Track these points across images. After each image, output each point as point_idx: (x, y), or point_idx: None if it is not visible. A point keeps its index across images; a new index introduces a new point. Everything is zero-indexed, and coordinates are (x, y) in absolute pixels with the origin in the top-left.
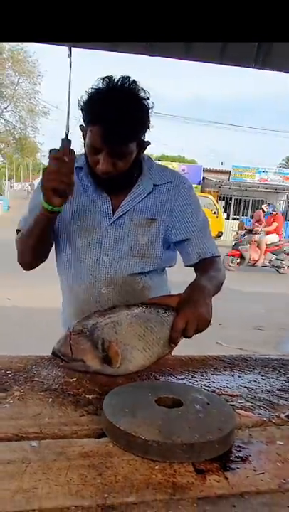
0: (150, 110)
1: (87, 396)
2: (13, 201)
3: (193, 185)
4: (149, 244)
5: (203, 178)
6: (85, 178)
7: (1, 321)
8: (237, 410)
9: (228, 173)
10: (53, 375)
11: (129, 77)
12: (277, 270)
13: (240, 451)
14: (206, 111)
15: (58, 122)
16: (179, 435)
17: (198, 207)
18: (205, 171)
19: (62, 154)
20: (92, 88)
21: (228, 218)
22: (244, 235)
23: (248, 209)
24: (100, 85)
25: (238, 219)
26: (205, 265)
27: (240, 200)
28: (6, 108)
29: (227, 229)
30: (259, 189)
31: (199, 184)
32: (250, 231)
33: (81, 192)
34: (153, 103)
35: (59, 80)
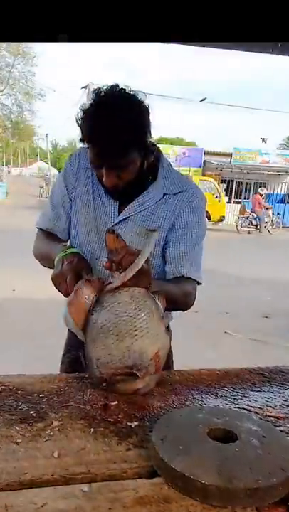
0: (148, 110)
1: (128, 424)
2: (12, 187)
3: (194, 169)
4: None
5: (204, 161)
6: None
7: (7, 313)
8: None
9: (230, 155)
10: (88, 399)
11: (117, 86)
12: None
13: None
14: (194, 93)
15: (55, 105)
16: (240, 478)
17: (199, 227)
18: (206, 153)
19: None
20: (82, 105)
21: (229, 202)
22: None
23: (249, 192)
24: (91, 100)
25: (239, 202)
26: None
27: (242, 183)
28: (1, 91)
29: (229, 213)
30: (261, 171)
31: (200, 167)
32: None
33: (95, 186)
34: (148, 105)
35: (56, 61)
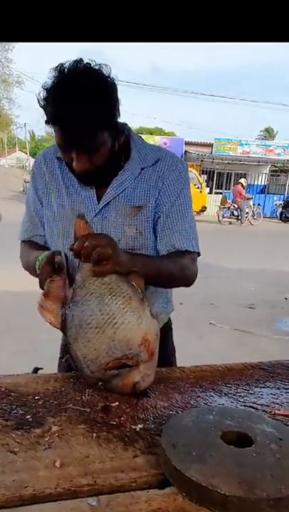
0: (115, 86)
1: (133, 427)
2: None
3: None
4: (137, 234)
5: (185, 151)
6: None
7: None
8: None
9: (211, 146)
10: (86, 400)
11: (81, 61)
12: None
13: None
14: (168, 81)
15: (34, 94)
16: (262, 487)
17: (185, 195)
18: (187, 144)
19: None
20: (44, 84)
21: (210, 192)
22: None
23: (230, 182)
24: (53, 79)
25: (220, 193)
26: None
27: (223, 173)
28: None
29: (210, 204)
30: (242, 162)
31: (181, 158)
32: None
33: (67, 183)
34: (114, 79)
35: (33, 48)
